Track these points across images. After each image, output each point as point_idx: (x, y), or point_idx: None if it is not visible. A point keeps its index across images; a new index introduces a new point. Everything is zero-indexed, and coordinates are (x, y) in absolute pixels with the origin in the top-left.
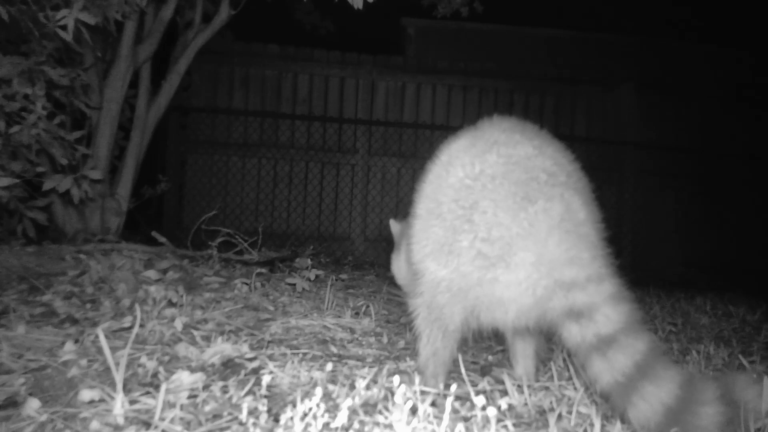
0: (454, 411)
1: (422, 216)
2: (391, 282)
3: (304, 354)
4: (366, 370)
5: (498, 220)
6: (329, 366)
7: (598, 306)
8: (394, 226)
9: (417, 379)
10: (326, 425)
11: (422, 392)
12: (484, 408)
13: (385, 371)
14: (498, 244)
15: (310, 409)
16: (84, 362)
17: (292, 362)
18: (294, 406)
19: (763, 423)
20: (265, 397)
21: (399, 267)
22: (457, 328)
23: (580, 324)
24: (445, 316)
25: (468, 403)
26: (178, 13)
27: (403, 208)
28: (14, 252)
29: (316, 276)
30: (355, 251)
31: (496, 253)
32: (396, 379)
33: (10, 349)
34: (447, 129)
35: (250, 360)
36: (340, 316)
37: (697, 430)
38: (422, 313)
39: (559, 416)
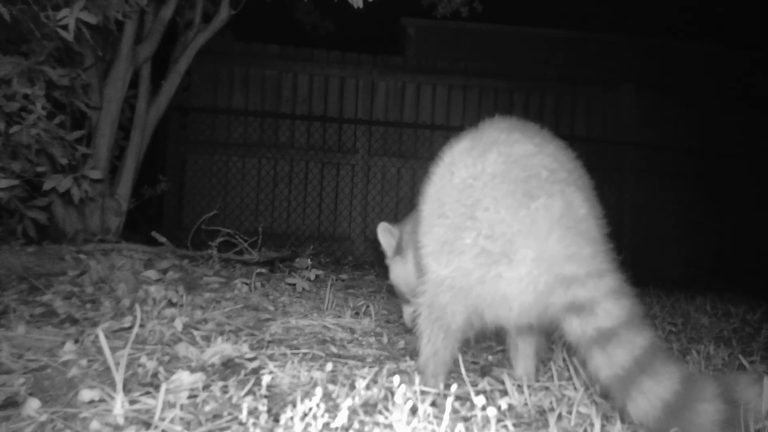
0: (454, 411)
1: (426, 218)
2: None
3: (304, 354)
4: (366, 370)
5: (500, 217)
6: (329, 366)
7: (598, 300)
8: (385, 233)
9: (417, 379)
10: (326, 425)
11: (422, 392)
12: (484, 408)
13: (385, 371)
14: (500, 241)
15: (310, 409)
16: (84, 362)
17: (292, 362)
18: (294, 406)
19: (763, 424)
20: (265, 397)
21: (401, 273)
22: (459, 328)
23: (581, 318)
24: (447, 315)
25: (468, 403)
26: (178, 13)
27: (403, 209)
28: (14, 252)
29: (316, 276)
30: (355, 251)
31: (499, 249)
32: (396, 379)
33: (10, 349)
34: (447, 129)
35: (250, 360)
36: (340, 316)
37: (696, 427)
38: (423, 313)
39: (559, 416)
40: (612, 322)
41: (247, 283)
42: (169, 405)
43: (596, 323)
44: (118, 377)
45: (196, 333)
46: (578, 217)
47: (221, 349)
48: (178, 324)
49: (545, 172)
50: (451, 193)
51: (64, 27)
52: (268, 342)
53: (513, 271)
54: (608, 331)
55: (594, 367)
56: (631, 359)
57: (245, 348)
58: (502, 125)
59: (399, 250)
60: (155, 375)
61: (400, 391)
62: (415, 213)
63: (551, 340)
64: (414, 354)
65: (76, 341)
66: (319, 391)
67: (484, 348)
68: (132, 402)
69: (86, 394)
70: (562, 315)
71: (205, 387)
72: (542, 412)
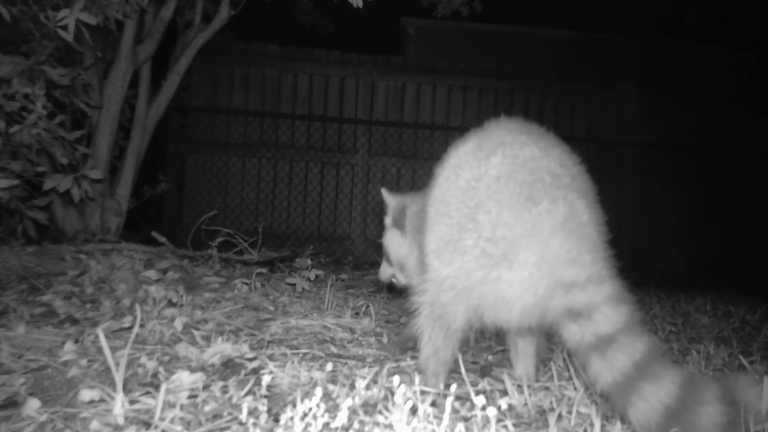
0: (454, 411)
1: (432, 218)
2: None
3: (304, 354)
4: (366, 370)
5: (502, 220)
6: (329, 366)
7: (597, 306)
8: (389, 196)
9: (417, 379)
10: (326, 425)
11: (422, 392)
12: (484, 408)
13: (385, 371)
14: (501, 243)
15: (310, 409)
16: (84, 362)
17: (292, 362)
18: (294, 406)
19: (763, 426)
20: (265, 397)
21: (395, 245)
22: (460, 327)
23: (579, 323)
24: (448, 314)
25: (468, 403)
26: (178, 13)
27: None
28: (14, 252)
29: (316, 276)
30: (355, 251)
31: (500, 251)
32: (396, 379)
33: (10, 349)
34: (447, 129)
35: (250, 360)
36: (340, 316)
37: (698, 430)
38: (425, 311)
39: (559, 416)
40: (611, 328)
41: (247, 283)
42: (169, 405)
43: (595, 329)
44: (118, 377)
45: (196, 333)
46: (580, 222)
47: (221, 349)
48: (178, 324)
49: (549, 176)
50: (457, 194)
51: (64, 27)
52: (268, 342)
53: (514, 274)
54: (607, 337)
55: (593, 374)
56: (631, 364)
57: (245, 348)
58: (510, 126)
59: (398, 224)
60: (155, 375)
61: (400, 391)
62: (420, 198)
63: (551, 340)
64: (402, 345)
65: (76, 341)
66: (319, 391)
67: (484, 348)
68: (132, 402)
69: (86, 394)
70: (561, 321)
71: (205, 387)
72: (542, 412)
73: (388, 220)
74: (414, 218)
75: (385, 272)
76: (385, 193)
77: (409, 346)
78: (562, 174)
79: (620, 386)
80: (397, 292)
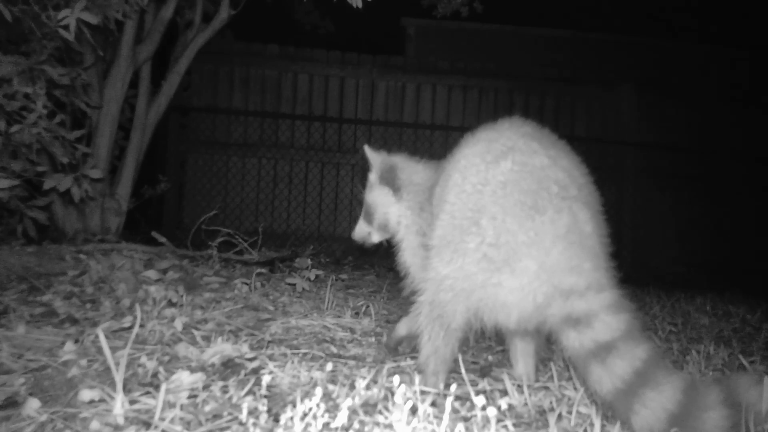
0: (454, 411)
1: (436, 215)
2: (392, 282)
3: (304, 354)
4: (366, 370)
5: (506, 227)
6: (329, 366)
7: (596, 313)
8: (372, 154)
9: (417, 379)
10: (326, 425)
11: (422, 392)
12: (484, 408)
13: (385, 371)
14: (504, 250)
15: (310, 409)
16: (84, 362)
17: (292, 362)
18: (294, 406)
19: (763, 427)
20: (265, 397)
21: (383, 205)
22: (460, 327)
23: (578, 330)
24: (448, 313)
25: (468, 403)
26: (178, 13)
27: None
28: (14, 252)
29: (316, 276)
30: (355, 251)
31: (502, 257)
32: (396, 379)
33: (10, 349)
34: (447, 129)
35: (250, 360)
36: (340, 316)
37: None
38: (424, 311)
39: (559, 416)
40: (610, 335)
41: (247, 283)
42: (169, 405)
43: (594, 336)
44: (118, 377)
45: (196, 333)
46: (583, 233)
47: (221, 349)
48: (178, 324)
49: (556, 187)
50: (461, 196)
51: (65, 27)
52: (268, 342)
53: (514, 281)
54: (606, 344)
55: (594, 382)
56: (631, 371)
57: (245, 348)
58: (522, 130)
59: (387, 182)
60: (155, 375)
61: (400, 391)
62: (431, 170)
63: (551, 340)
64: (391, 346)
65: (76, 341)
66: (319, 391)
67: (484, 348)
68: (132, 402)
69: (86, 394)
70: (560, 327)
71: (205, 387)
72: (542, 412)
73: (373, 177)
74: (415, 187)
75: (362, 230)
76: (368, 150)
77: (398, 347)
78: (569, 185)
79: (621, 393)
80: (368, 253)
